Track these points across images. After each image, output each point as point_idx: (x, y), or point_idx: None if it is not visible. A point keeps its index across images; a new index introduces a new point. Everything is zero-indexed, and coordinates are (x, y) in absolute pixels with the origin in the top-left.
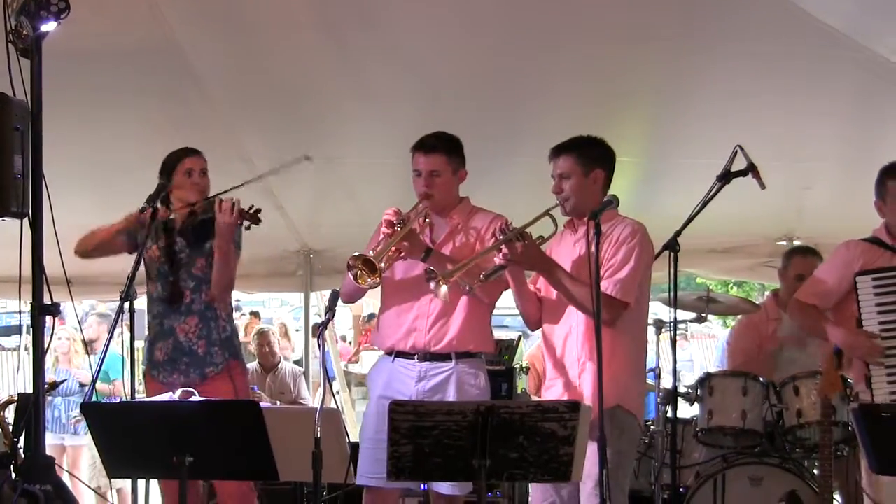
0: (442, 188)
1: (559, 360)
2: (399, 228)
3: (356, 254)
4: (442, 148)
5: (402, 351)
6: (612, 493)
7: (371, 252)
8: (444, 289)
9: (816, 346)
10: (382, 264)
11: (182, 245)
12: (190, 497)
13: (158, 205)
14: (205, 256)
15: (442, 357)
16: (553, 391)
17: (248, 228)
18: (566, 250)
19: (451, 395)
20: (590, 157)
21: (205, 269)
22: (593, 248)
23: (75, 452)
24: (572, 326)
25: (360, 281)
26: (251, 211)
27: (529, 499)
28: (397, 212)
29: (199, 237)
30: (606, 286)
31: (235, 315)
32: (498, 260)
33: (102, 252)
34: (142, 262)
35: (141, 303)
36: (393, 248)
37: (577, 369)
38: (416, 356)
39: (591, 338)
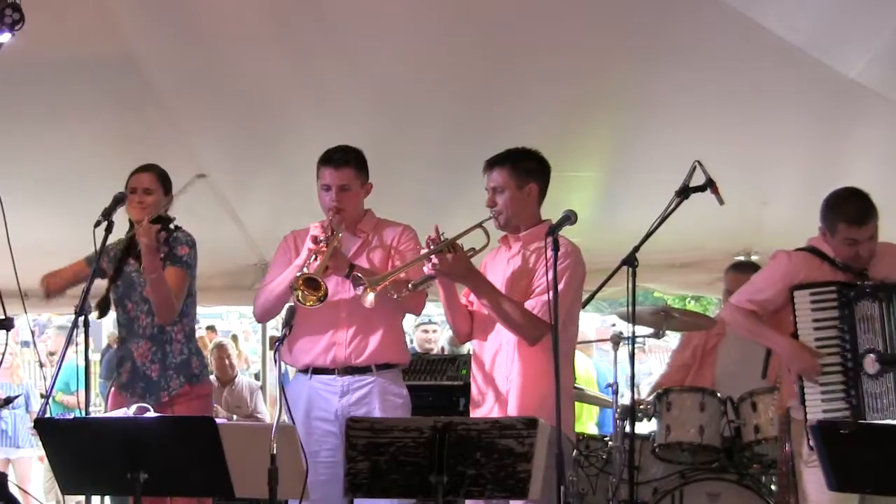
0: (352, 203)
1: (488, 376)
2: (324, 244)
3: (297, 274)
4: (352, 162)
5: (320, 367)
6: None
7: (307, 270)
8: (370, 296)
9: (756, 365)
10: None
11: (134, 266)
12: None
13: (114, 218)
14: None
15: (362, 370)
16: (482, 409)
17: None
18: (500, 266)
19: (375, 408)
20: (524, 170)
21: None
22: (551, 264)
23: (23, 465)
24: (502, 343)
25: (306, 302)
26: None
27: None
28: (324, 227)
29: None
30: (533, 305)
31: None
32: (427, 270)
33: (72, 287)
34: (96, 277)
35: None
36: (325, 266)
37: (506, 386)
38: (336, 371)
39: (520, 355)
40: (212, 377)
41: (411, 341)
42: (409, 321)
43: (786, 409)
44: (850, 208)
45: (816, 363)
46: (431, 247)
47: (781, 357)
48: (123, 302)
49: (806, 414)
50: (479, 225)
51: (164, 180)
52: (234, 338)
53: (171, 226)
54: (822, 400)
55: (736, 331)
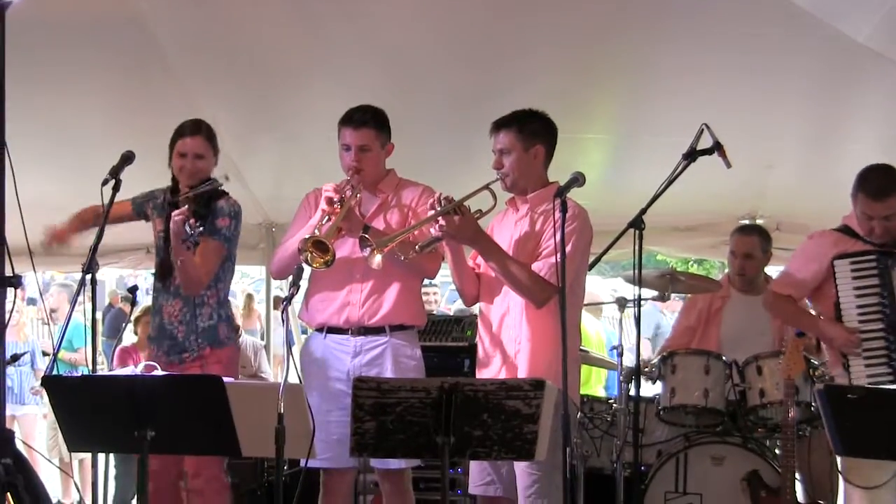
0: (371, 163)
1: (495, 338)
2: (338, 206)
3: (306, 236)
4: (371, 122)
5: (334, 326)
6: (548, 470)
7: (317, 232)
8: (377, 258)
9: (761, 328)
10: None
11: None
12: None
13: (121, 177)
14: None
15: (376, 331)
16: (489, 370)
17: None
18: (507, 229)
19: (387, 369)
20: (530, 132)
21: None
22: (559, 226)
23: (28, 422)
24: (510, 306)
25: (313, 263)
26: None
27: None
28: (338, 188)
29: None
30: (540, 268)
31: None
32: (434, 231)
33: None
34: (103, 235)
35: (102, 274)
36: (336, 227)
37: (514, 349)
38: (349, 331)
39: (528, 318)
40: None
41: None
42: None
43: (790, 376)
44: (872, 181)
45: (854, 337)
46: (437, 208)
47: (824, 340)
48: (160, 255)
49: (850, 380)
50: (486, 187)
51: (213, 141)
52: (250, 297)
53: (220, 189)
54: (866, 366)
55: (775, 317)
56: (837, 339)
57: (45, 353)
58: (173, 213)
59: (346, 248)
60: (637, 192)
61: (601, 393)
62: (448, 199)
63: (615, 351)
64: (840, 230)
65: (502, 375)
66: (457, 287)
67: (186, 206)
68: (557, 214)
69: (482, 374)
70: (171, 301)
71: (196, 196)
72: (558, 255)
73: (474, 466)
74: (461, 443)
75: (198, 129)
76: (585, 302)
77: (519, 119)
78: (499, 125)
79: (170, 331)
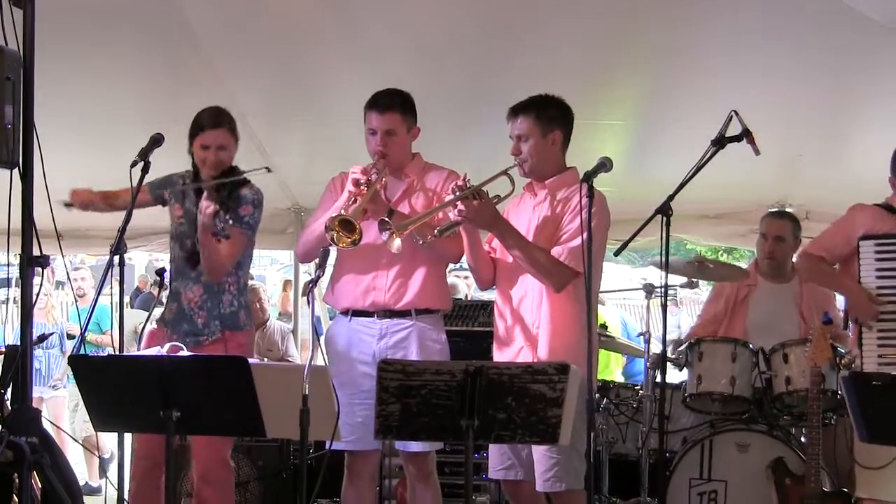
0: (397, 147)
1: (513, 322)
2: (365, 188)
3: (333, 215)
4: (397, 106)
5: (359, 309)
6: (567, 453)
7: (344, 212)
8: (397, 241)
9: (788, 316)
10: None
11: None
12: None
13: (150, 159)
14: None
15: (402, 314)
16: (509, 350)
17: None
18: (525, 214)
19: (413, 352)
20: (548, 117)
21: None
22: (585, 208)
23: (56, 405)
24: (528, 290)
25: (339, 243)
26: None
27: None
28: (365, 170)
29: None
30: (560, 252)
31: None
32: (453, 216)
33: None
34: (131, 218)
35: (132, 258)
36: (362, 209)
37: (533, 332)
38: (375, 314)
39: (547, 302)
40: None
41: None
42: None
43: (816, 364)
44: None
45: (874, 309)
46: (457, 193)
47: (848, 297)
48: (184, 240)
49: (862, 357)
50: (504, 172)
51: (235, 130)
52: (288, 283)
53: (242, 178)
54: (878, 345)
55: (804, 277)
56: (860, 302)
57: (70, 336)
58: (204, 207)
59: (372, 232)
60: (662, 180)
61: (619, 378)
62: (464, 179)
63: (642, 337)
64: (882, 206)
65: (522, 357)
66: (471, 270)
67: (216, 201)
68: (584, 199)
69: (502, 353)
70: (191, 287)
71: (223, 186)
72: (584, 237)
73: (494, 450)
74: (485, 426)
75: (219, 120)
76: (611, 288)
77: (536, 104)
78: (516, 111)
79: (189, 316)
